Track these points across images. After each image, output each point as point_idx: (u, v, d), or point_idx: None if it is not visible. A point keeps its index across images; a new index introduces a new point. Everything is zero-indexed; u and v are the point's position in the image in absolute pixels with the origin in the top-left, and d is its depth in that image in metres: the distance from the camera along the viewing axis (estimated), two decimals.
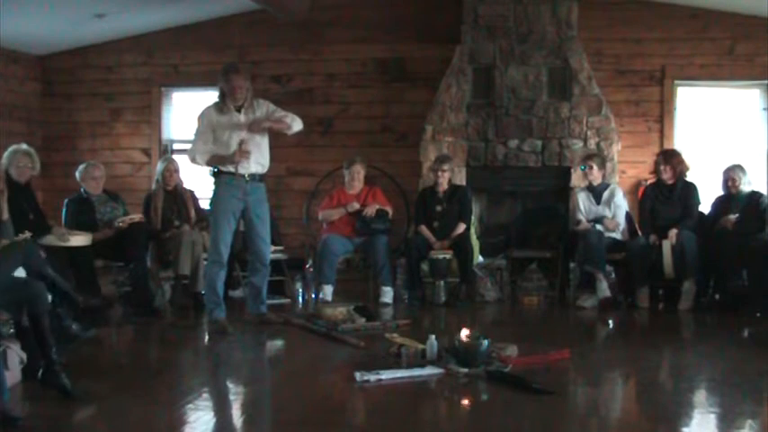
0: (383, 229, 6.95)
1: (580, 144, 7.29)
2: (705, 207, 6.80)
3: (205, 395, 4.14)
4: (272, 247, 6.09)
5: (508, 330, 5.72)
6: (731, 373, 4.45)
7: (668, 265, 6.48)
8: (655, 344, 5.35)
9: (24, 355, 4.08)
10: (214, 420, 3.69)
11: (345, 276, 7.13)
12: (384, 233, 6.94)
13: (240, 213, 5.62)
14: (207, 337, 5.72)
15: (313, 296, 7.00)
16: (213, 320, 5.64)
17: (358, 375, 4.12)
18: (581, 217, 6.88)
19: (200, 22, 8.11)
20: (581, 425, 3.69)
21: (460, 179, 7.35)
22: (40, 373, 3.89)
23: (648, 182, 7.23)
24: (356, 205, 7.04)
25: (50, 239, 5.69)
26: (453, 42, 7.44)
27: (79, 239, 5.95)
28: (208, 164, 5.58)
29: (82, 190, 6.58)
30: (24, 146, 5.91)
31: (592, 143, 7.26)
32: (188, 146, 6.22)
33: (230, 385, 4.48)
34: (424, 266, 6.87)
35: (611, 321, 6.24)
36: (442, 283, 6.74)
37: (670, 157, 6.78)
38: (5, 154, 5.85)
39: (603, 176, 6.95)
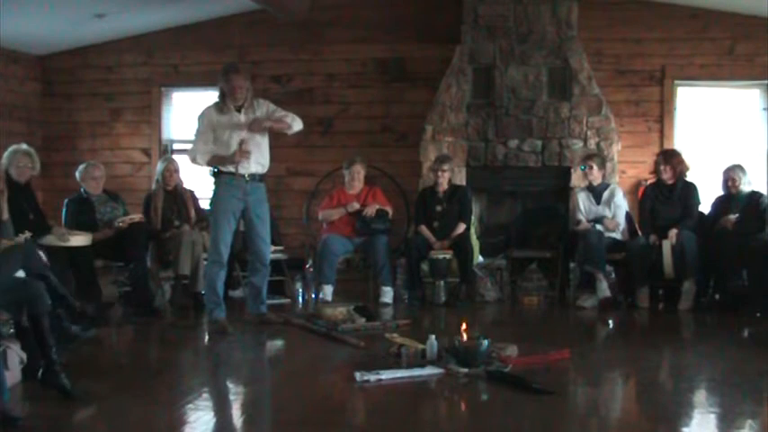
0: (383, 229, 6.95)
1: (580, 144, 7.28)
2: (705, 207, 6.80)
3: (205, 395, 4.14)
4: (272, 247, 6.09)
5: (508, 330, 5.72)
6: (731, 373, 4.45)
7: (668, 265, 6.48)
8: (655, 344, 5.35)
9: (24, 355, 4.07)
10: (214, 420, 3.69)
11: (345, 276, 7.13)
12: (384, 233, 6.94)
13: (240, 213, 5.62)
14: (207, 337, 5.72)
15: (313, 296, 6.99)
16: (213, 320, 5.64)
17: (358, 375, 4.12)
18: (581, 217, 6.88)
19: (200, 22, 8.11)
20: (581, 425, 3.69)
21: (460, 179, 7.35)
22: (40, 373, 3.89)
23: (648, 182, 7.22)
24: (356, 205, 7.04)
25: (50, 239, 5.69)
26: (453, 42, 7.44)
27: (79, 239, 5.95)
28: (208, 164, 5.58)
29: (82, 190, 6.58)
30: (24, 146, 5.92)
31: (592, 143, 7.26)
32: (188, 146, 6.23)
33: (230, 385, 4.48)
34: (424, 266, 6.87)
35: (611, 321, 6.23)
36: (441, 283, 6.74)
37: (670, 157, 6.78)
38: (5, 154, 5.85)
39: (603, 176, 6.95)
